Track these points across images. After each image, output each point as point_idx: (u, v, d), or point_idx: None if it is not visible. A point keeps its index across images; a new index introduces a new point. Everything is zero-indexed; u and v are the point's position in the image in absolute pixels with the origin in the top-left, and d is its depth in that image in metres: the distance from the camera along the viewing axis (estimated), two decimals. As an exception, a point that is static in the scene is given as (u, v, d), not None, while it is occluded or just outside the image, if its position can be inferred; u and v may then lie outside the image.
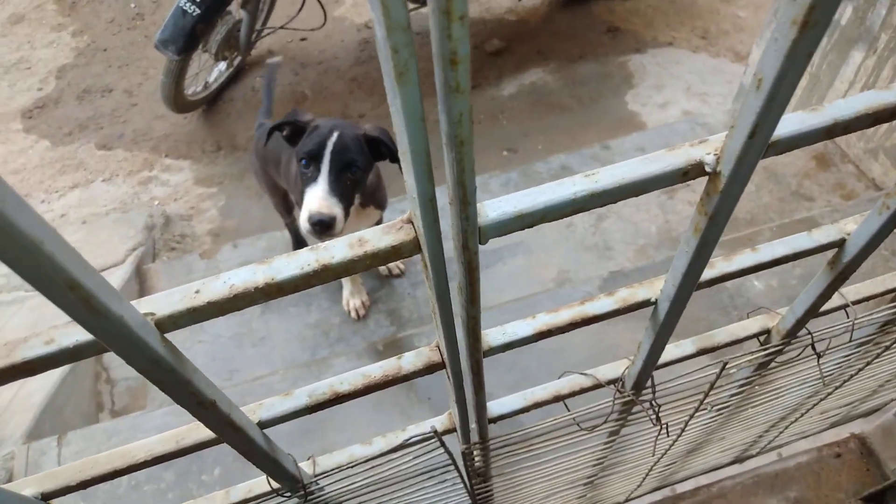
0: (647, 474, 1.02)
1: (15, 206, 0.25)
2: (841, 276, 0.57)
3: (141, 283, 2.61)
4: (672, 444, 0.88)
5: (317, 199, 1.48)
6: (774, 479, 1.23)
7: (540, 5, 3.84)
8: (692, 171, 0.39)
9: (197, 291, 0.37)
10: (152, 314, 0.36)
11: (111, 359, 2.12)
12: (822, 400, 0.95)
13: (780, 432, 1.10)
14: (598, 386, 0.67)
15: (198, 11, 2.75)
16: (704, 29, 3.60)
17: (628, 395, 0.67)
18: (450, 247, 0.39)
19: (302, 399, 0.52)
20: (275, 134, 1.65)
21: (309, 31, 3.58)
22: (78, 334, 0.36)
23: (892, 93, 0.39)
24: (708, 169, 0.38)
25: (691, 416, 0.78)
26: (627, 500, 1.23)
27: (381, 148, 1.61)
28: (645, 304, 0.53)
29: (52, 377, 1.93)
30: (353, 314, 2.13)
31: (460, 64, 0.25)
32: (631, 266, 1.85)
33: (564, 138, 3.07)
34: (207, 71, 3.38)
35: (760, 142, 0.35)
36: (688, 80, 3.29)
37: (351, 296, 2.14)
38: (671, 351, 0.68)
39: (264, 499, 0.65)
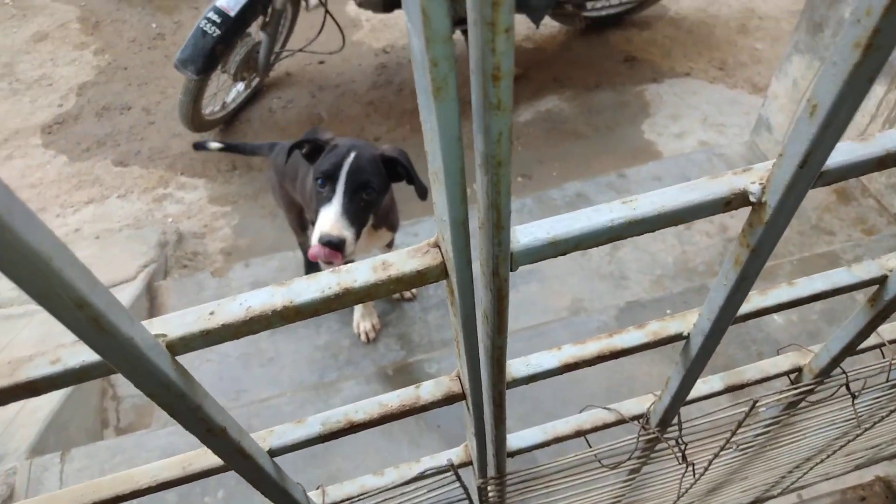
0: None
1: (23, 220, 0.23)
2: (882, 314, 0.54)
3: (151, 299, 2.61)
4: (694, 484, 0.84)
5: (329, 220, 1.47)
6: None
7: (557, 33, 3.87)
8: (735, 201, 0.37)
9: (211, 313, 0.35)
10: (164, 335, 0.34)
11: (118, 375, 2.10)
12: (850, 441, 0.91)
13: (804, 473, 1.06)
14: (621, 421, 0.65)
15: (218, 33, 2.79)
16: (722, 60, 3.61)
17: (654, 433, 0.64)
18: (474, 271, 0.37)
19: (315, 427, 0.50)
20: (294, 151, 1.66)
21: (327, 55, 3.62)
22: (85, 354, 0.34)
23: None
24: (752, 199, 0.36)
25: (716, 455, 0.75)
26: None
27: (399, 169, 1.61)
28: (677, 338, 0.51)
29: (58, 392, 1.92)
30: (363, 337, 2.11)
31: (503, 79, 0.23)
32: (647, 297, 1.82)
33: (580, 166, 3.06)
34: (225, 91, 3.42)
35: (812, 171, 0.33)
36: (704, 111, 3.28)
37: (362, 318, 2.12)
38: (698, 387, 0.65)
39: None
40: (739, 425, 0.69)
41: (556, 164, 3.12)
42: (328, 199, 1.50)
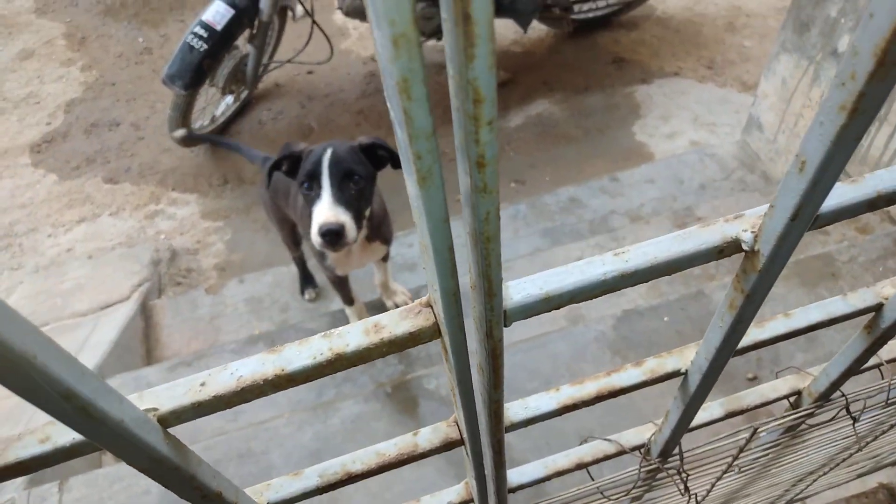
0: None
1: (4, 320, 0.22)
2: (879, 340, 0.54)
3: (146, 318, 2.59)
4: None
5: (322, 211, 1.47)
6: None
7: (545, 37, 3.87)
8: (728, 249, 0.36)
9: (202, 384, 0.34)
10: (155, 409, 0.34)
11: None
12: (851, 455, 0.91)
13: (807, 486, 1.06)
14: (622, 453, 0.64)
15: (205, 47, 2.78)
16: (710, 59, 3.62)
17: (654, 464, 0.64)
18: (469, 323, 0.36)
19: (312, 479, 0.49)
20: (275, 173, 1.65)
21: (315, 65, 3.62)
22: (73, 435, 0.33)
23: (941, 164, 0.37)
24: (745, 247, 0.36)
25: (718, 479, 0.74)
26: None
27: (380, 153, 1.60)
28: (675, 374, 0.50)
29: (54, 419, 1.90)
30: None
31: (488, 166, 0.23)
32: (644, 304, 1.82)
33: (572, 169, 3.06)
34: (214, 105, 3.41)
35: (803, 222, 0.33)
36: (695, 111, 3.29)
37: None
38: (698, 415, 0.65)
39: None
40: (741, 451, 0.69)
41: (549, 169, 3.12)
42: (317, 196, 1.49)
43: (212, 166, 3.40)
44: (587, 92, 3.47)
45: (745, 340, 0.51)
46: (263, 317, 2.54)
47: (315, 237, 1.49)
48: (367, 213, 1.62)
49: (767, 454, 0.75)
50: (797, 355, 1.60)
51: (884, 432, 0.84)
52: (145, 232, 3.16)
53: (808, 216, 0.32)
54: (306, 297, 2.56)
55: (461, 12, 0.18)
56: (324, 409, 1.70)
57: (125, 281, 2.72)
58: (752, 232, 0.36)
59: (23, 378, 0.25)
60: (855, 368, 0.59)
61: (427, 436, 0.50)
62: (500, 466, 0.52)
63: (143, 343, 2.52)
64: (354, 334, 0.35)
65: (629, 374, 0.50)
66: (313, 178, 1.51)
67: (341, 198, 1.50)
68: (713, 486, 0.76)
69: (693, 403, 0.52)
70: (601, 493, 0.65)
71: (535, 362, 1.69)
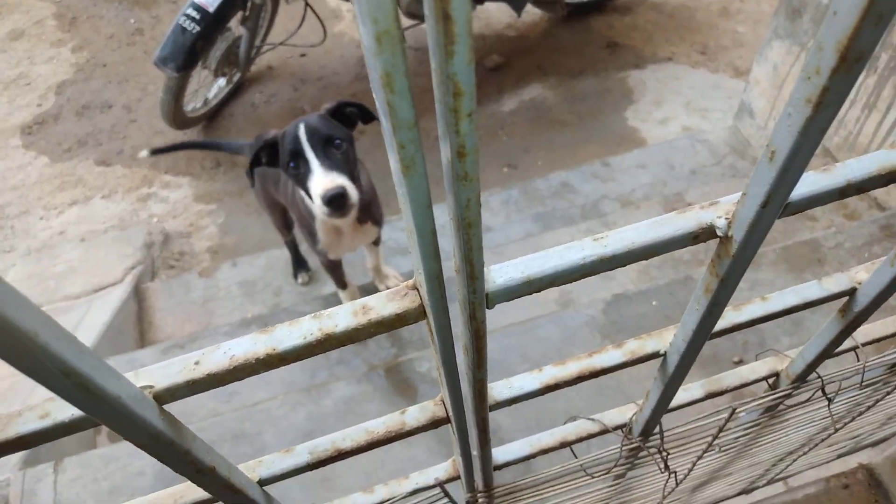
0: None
1: (8, 299, 0.24)
2: (852, 324, 0.56)
3: (139, 302, 2.60)
4: (678, 485, 0.87)
5: (319, 182, 1.47)
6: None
7: (539, 21, 3.86)
8: (703, 235, 0.38)
9: (196, 363, 0.35)
10: (150, 387, 0.35)
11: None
12: (830, 436, 0.93)
13: (787, 465, 1.08)
14: (604, 432, 0.66)
15: (197, 29, 2.76)
16: (703, 44, 3.62)
17: (636, 442, 0.66)
18: (455, 307, 0.38)
19: (303, 456, 0.51)
20: (256, 169, 1.65)
21: (309, 47, 3.60)
22: (74, 408, 0.34)
23: (907, 154, 0.39)
24: (719, 233, 0.37)
25: (699, 458, 0.77)
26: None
27: (347, 111, 1.60)
28: (654, 356, 0.52)
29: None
30: (353, 334, 2.11)
31: (468, 156, 0.24)
32: (634, 288, 1.84)
33: (565, 154, 3.07)
34: (207, 87, 3.39)
35: (774, 210, 0.34)
36: (687, 96, 3.30)
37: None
38: (679, 395, 0.67)
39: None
40: (720, 430, 0.71)
41: (542, 153, 3.12)
42: (308, 171, 1.50)
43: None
44: (581, 76, 3.47)
45: (723, 323, 0.53)
46: (256, 300, 2.55)
47: (320, 207, 1.49)
48: (357, 174, 1.62)
49: (748, 434, 0.77)
50: (783, 339, 1.63)
51: (861, 413, 0.86)
52: (138, 215, 3.16)
53: (778, 204, 0.34)
54: (299, 280, 2.57)
55: (441, 11, 0.19)
56: (317, 391, 1.72)
57: (118, 264, 2.73)
58: (726, 219, 0.37)
59: (25, 355, 0.26)
60: (830, 351, 0.61)
61: (415, 414, 0.51)
62: (485, 444, 0.53)
63: (136, 326, 2.53)
64: (343, 315, 0.36)
65: (610, 356, 0.52)
66: (297, 156, 1.51)
67: (331, 164, 1.50)
68: (694, 464, 0.79)
69: (672, 384, 0.54)
70: (584, 470, 0.67)
71: (526, 346, 1.71)
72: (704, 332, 0.46)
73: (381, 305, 0.36)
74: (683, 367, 0.51)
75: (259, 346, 0.36)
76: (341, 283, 2.07)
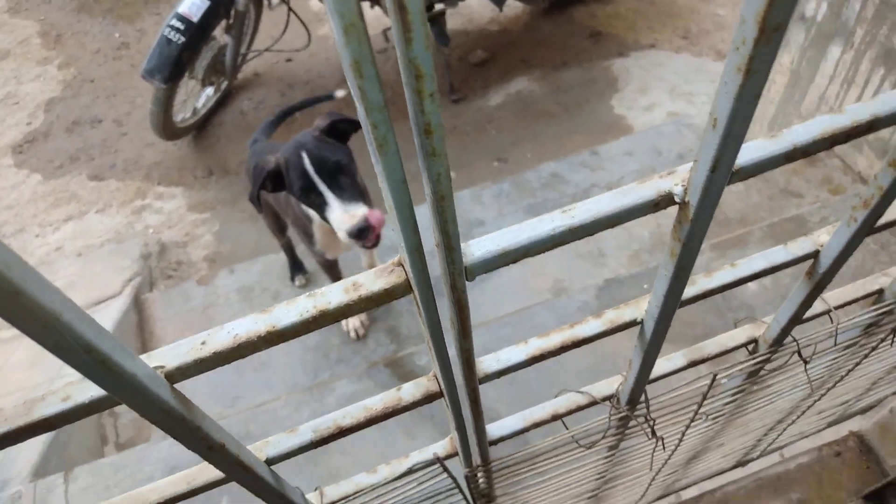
0: (649, 484, 1.03)
1: (36, 284, 0.27)
2: (818, 285, 0.59)
3: (140, 312, 2.63)
4: (671, 455, 0.90)
5: (341, 218, 1.51)
6: (777, 481, 1.25)
7: (521, 14, 3.89)
8: (662, 202, 0.41)
9: (203, 343, 0.38)
10: (162, 367, 0.38)
11: (114, 390, 2.13)
12: (816, 401, 0.97)
13: (779, 434, 1.12)
14: (593, 403, 0.69)
15: (182, 39, 2.78)
16: (685, 29, 3.65)
17: (623, 411, 0.69)
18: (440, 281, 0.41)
19: (307, 435, 0.54)
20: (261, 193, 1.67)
21: (294, 52, 3.62)
22: (92, 390, 0.37)
23: (846, 116, 0.42)
24: (677, 199, 0.40)
25: (687, 427, 0.80)
26: (633, 506, 1.24)
27: (340, 127, 1.63)
28: (632, 324, 0.55)
29: (55, 413, 1.94)
30: (352, 334, 2.15)
31: (434, 133, 0.27)
32: (625, 273, 1.87)
33: (553, 145, 3.10)
34: (195, 97, 3.41)
35: (722, 174, 0.37)
36: (672, 82, 3.33)
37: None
38: (662, 365, 0.70)
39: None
40: (704, 397, 0.74)
41: (530, 146, 3.16)
42: (324, 202, 1.52)
43: (195, 159, 3.41)
44: (565, 67, 3.50)
45: (695, 290, 0.56)
46: (255, 305, 2.58)
47: (347, 240, 1.52)
48: (364, 188, 1.65)
49: (734, 401, 0.80)
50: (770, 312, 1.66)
51: (842, 378, 0.89)
52: (133, 227, 3.18)
53: (725, 168, 0.37)
54: (296, 283, 2.60)
55: (398, 3, 0.22)
56: (319, 390, 1.75)
57: (116, 276, 2.75)
58: (682, 186, 0.40)
59: (52, 333, 0.29)
60: (801, 314, 0.64)
61: (410, 390, 0.54)
62: (478, 416, 0.56)
63: (137, 336, 2.55)
64: (335, 293, 0.39)
65: (590, 326, 0.55)
66: (310, 190, 1.53)
67: (344, 194, 1.53)
68: (684, 433, 0.82)
69: (651, 350, 0.57)
70: (576, 442, 0.70)
71: (521, 334, 1.74)
72: (675, 296, 0.49)
73: (370, 282, 0.39)
74: (659, 334, 0.54)
75: (259, 325, 0.39)
76: (336, 278, 2.09)
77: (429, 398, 0.54)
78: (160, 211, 3.24)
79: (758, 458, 1.28)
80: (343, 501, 0.66)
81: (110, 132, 3.60)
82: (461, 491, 0.71)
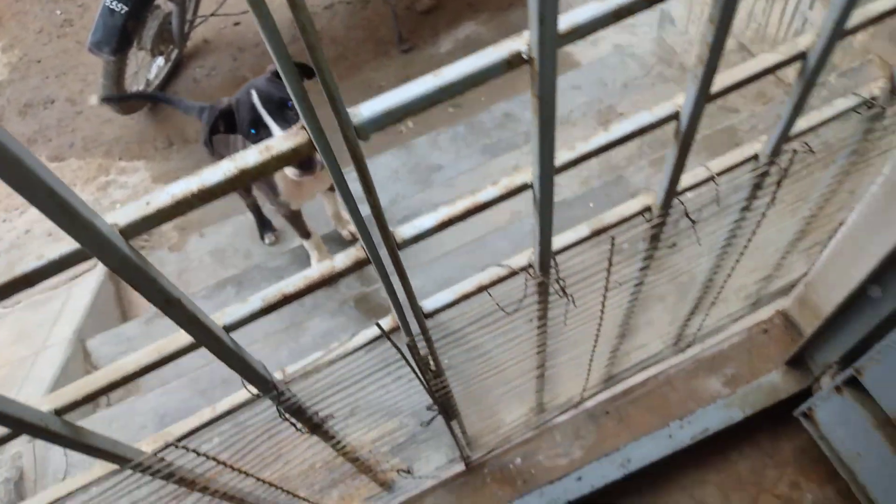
0: (591, 360, 1.15)
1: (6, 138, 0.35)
2: (684, 145, 0.69)
3: (116, 283, 2.69)
4: (600, 325, 1.01)
5: None
6: (712, 361, 1.38)
7: (466, -40, 3.89)
8: (514, 61, 0.50)
9: (147, 203, 0.47)
10: (116, 224, 0.47)
11: (100, 356, 2.21)
12: (732, 270, 1.08)
13: (706, 315, 1.24)
14: (512, 273, 0.80)
15: (125, 9, 2.77)
16: (627, -37, 3.69)
17: (538, 277, 0.79)
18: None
19: (257, 303, 0.63)
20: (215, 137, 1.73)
21: (241, 15, 3.60)
22: (62, 248, 0.46)
23: (662, -19, 0.51)
24: (524, 56, 0.50)
25: (606, 290, 0.91)
26: (583, 399, 1.37)
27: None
28: (524, 187, 0.65)
29: (47, 377, 2.02)
30: (323, 280, 2.23)
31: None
32: (572, 195, 1.98)
33: (505, 87, 3.16)
34: (146, 68, 3.39)
35: (551, 30, 0.46)
36: (616, 15, 3.39)
37: (318, 262, 2.24)
38: (568, 235, 0.80)
39: (246, 406, 0.77)
40: (611, 262, 0.85)
41: (483, 89, 3.21)
42: (270, 136, 1.58)
43: (154, 130, 3.42)
44: (511, 8, 3.54)
45: (572, 154, 0.65)
46: (228, 265, 2.65)
47: (290, 171, 1.59)
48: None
49: (647, 265, 0.91)
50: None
51: (749, 240, 1.01)
52: (100, 203, 3.20)
53: (551, 25, 0.46)
54: (266, 241, 2.67)
55: None
56: (295, 330, 1.85)
57: (88, 251, 2.79)
58: (527, 45, 0.49)
59: (20, 176, 0.37)
60: (677, 176, 0.74)
61: (342, 259, 0.64)
62: (403, 277, 0.66)
63: (117, 305, 2.62)
64: (252, 155, 0.48)
65: (489, 192, 0.65)
66: (256, 124, 1.60)
67: (290, 127, 1.59)
68: (605, 298, 0.93)
69: (545, 211, 0.67)
70: (503, 310, 0.81)
71: (479, 260, 1.85)
72: (549, 153, 0.59)
73: (280, 144, 0.48)
74: (547, 194, 0.64)
75: (192, 185, 0.48)
76: (305, 233, 2.17)
77: (358, 264, 0.64)
78: (125, 185, 3.27)
79: (694, 342, 1.41)
80: (302, 376, 0.77)
81: (65, 112, 3.58)
82: (406, 360, 0.81)
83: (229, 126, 1.65)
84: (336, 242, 2.37)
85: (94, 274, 2.67)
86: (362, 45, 3.57)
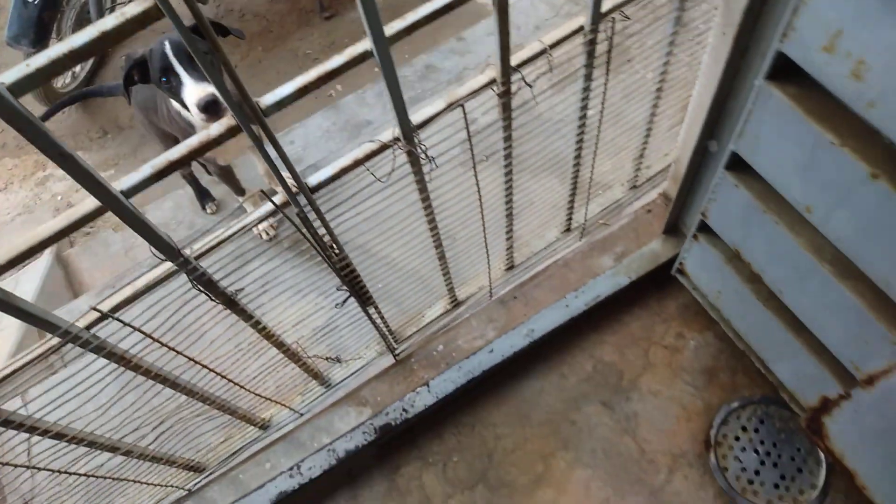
0: (486, 243, 1.29)
1: None
2: (502, 8, 0.83)
3: (65, 268, 2.75)
4: (481, 198, 1.15)
5: (192, 92, 1.63)
6: (604, 242, 1.54)
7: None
8: None
9: (27, 65, 0.59)
10: (4, 83, 0.58)
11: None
12: (597, 146, 1.23)
13: (590, 196, 1.39)
14: (384, 147, 0.93)
15: (39, -1, 2.79)
16: (534, -88, 3.81)
17: (405, 147, 0.93)
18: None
19: (147, 171, 0.75)
20: (132, 89, 1.81)
21: (161, -1, 3.61)
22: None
23: None
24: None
25: (474, 160, 1.05)
26: (493, 290, 1.52)
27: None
28: (366, 55, 0.78)
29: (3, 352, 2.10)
30: (264, 236, 2.34)
31: None
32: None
33: (425, 40, 3.27)
34: (71, 60, 3.40)
35: None
36: (526, -37, 3.52)
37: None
38: (426, 110, 0.94)
39: (164, 281, 0.90)
40: (469, 131, 0.99)
41: (405, 46, 3.32)
42: (179, 84, 1.66)
43: (87, 122, 3.44)
44: (426, -33, 3.63)
45: (403, 23, 0.78)
46: (174, 237, 2.72)
47: (197, 115, 1.67)
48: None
49: (507, 136, 1.06)
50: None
51: (602, 105, 1.16)
52: (41, 198, 3.23)
53: None
54: (208, 210, 2.75)
55: None
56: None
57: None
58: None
59: None
60: (506, 44, 0.88)
61: (216, 128, 0.76)
62: (276, 145, 0.79)
63: (68, 289, 2.69)
64: (110, 20, 0.60)
65: (334, 60, 0.77)
66: (167, 72, 1.67)
67: (200, 75, 1.67)
68: (475, 167, 1.07)
69: (389, 76, 0.80)
70: (378, 180, 0.94)
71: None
72: (377, 23, 0.72)
73: (133, 8, 0.60)
74: (385, 58, 0.77)
75: (63, 48, 0.59)
76: (239, 190, 2.27)
77: (231, 131, 0.76)
78: (64, 178, 3.30)
79: (587, 229, 1.57)
80: (207, 252, 0.89)
81: (-7, 113, 3.56)
82: (301, 232, 0.94)
83: (143, 75, 1.73)
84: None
85: (41, 260, 2.72)
86: (286, 17, 3.63)
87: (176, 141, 2.36)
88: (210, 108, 1.63)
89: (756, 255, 1.09)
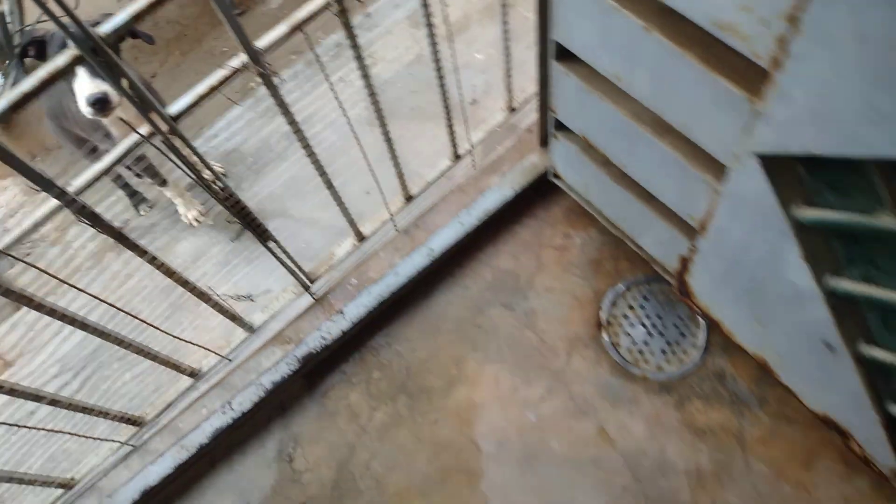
0: (371, 168, 1.40)
1: None
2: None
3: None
4: (350, 122, 1.26)
5: (83, 86, 1.68)
6: (493, 164, 1.66)
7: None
8: None
9: None
10: None
11: (8, 344, 2.32)
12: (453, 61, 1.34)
13: (468, 121, 1.50)
14: (235, 71, 1.03)
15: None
16: None
17: (256, 69, 1.03)
18: None
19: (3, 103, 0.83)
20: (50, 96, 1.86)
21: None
22: None
23: None
24: None
25: (329, 82, 1.15)
26: (395, 221, 1.61)
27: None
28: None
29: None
30: (194, 224, 2.40)
31: None
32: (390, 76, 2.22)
33: (333, 20, 3.35)
34: (-13, 88, 3.40)
35: None
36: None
37: (185, 209, 2.41)
38: (271, 35, 1.04)
39: (46, 219, 0.97)
40: (315, 52, 1.09)
41: (319, 33, 3.41)
42: (73, 74, 1.69)
43: (13, 147, 3.44)
44: (329, -47, 3.71)
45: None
46: (113, 243, 2.77)
47: (85, 109, 1.73)
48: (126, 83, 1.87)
49: (358, 56, 1.16)
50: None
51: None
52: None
53: None
54: (142, 213, 2.80)
55: None
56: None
57: (-28, 267, 2.86)
58: None
59: None
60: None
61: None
62: (153, 93, 0.88)
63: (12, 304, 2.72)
64: None
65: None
66: None
67: (95, 72, 1.73)
68: (332, 89, 1.17)
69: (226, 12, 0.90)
70: (233, 102, 1.04)
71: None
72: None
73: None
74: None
75: None
76: (160, 181, 2.33)
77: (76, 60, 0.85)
78: (-2, 205, 3.31)
79: (473, 153, 1.68)
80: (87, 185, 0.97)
81: (-83, 152, 3.55)
82: (169, 157, 1.03)
83: (39, 54, 1.77)
84: (198, 188, 2.54)
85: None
86: (199, 20, 3.67)
87: (95, 150, 2.41)
88: (97, 105, 1.68)
89: (597, 137, 1.22)
